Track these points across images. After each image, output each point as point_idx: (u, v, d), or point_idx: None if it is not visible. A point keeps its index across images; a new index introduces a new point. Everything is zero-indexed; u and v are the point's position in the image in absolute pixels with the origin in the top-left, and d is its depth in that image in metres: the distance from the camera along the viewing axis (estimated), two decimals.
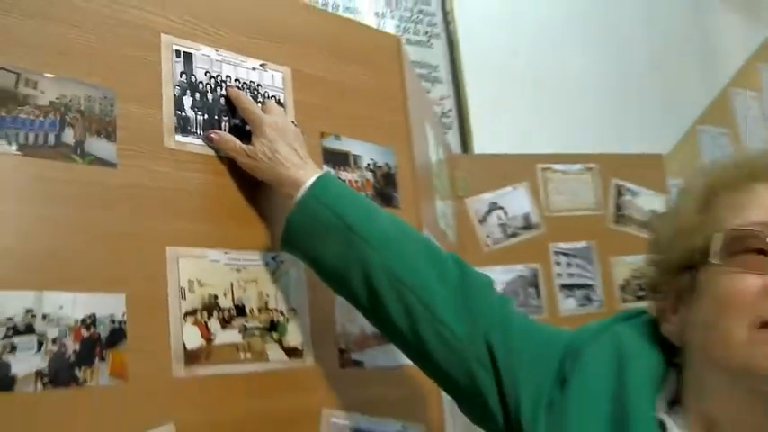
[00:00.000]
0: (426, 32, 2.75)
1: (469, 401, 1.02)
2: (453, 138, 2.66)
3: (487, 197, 2.23)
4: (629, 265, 2.36)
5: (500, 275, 2.16)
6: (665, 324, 0.90)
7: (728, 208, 0.84)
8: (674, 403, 0.87)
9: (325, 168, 1.22)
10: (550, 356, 0.96)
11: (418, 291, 1.00)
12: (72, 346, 0.86)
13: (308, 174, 1.06)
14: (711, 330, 0.80)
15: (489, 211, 2.22)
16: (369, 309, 1.05)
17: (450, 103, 2.71)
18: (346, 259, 1.03)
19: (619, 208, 2.42)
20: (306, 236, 1.06)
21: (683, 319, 0.87)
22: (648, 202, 2.45)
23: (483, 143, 2.69)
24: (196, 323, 0.99)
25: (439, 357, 1.00)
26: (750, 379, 0.76)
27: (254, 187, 1.12)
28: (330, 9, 2.44)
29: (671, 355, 0.89)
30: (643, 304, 2.29)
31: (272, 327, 1.08)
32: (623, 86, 3.36)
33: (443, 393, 1.30)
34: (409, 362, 1.22)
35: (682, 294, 0.87)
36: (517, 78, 2.95)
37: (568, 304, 2.27)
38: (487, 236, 2.20)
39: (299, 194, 1.04)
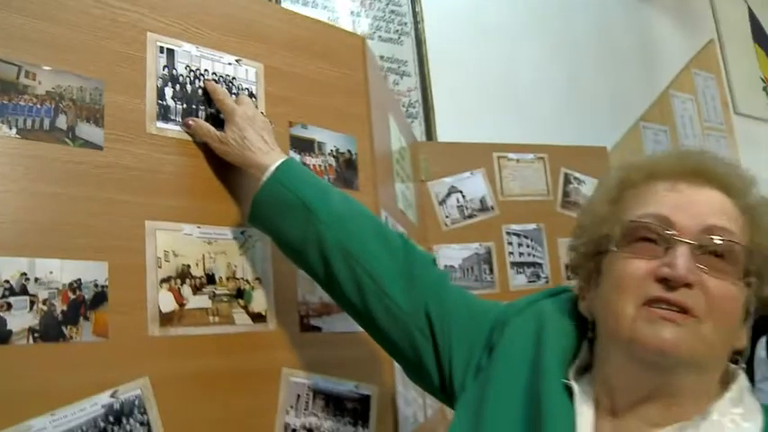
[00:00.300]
0: (397, 30, 2.86)
1: (411, 365, 1.11)
2: (419, 126, 2.77)
3: (447, 181, 2.34)
4: None
5: (457, 252, 2.28)
6: (581, 301, 0.98)
7: (632, 202, 0.91)
8: (586, 372, 0.95)
9: (291, 154, 1.31)
10: (482, 326, 1.05)
11: (367, 265, 1.08)
12: (60, 306, 0.97)
13: (273, 158, 1.15)
14: (608, 307, 0.88)
15: (449, 194, 2.33)
16: (324, 281, 1.14)
17: (416, 95, 2.82)
18: (304, 236, 1.11)
19: (566, 194, 2.55)
20: (269, 214, 1.14)
21: (592, 297, 0.95)
22: (593, 189, 2.58)
23: (446, 132, 2.80)
24: (170, 289, 1.10)
25: (384, 326, 1.09)
26: (634, 348, 0.84)
27: (225, 169, 1.21)
28: (309, 7, 2.53)
29: (586, 329, 0.97)
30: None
31: (239, 294, 1.19)
32: (575, 85, 3.50)
33: None
34: (361, 328, 1.33)
35: (592, 276, 0.95)
36: (478, 74, 3.07)
37: (519, 280, 2.39)
38: (447, 216, 2.31)
39: (264, 177, 1.13)
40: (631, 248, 0.88)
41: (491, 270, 2.35)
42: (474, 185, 2.38)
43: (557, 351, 0.96)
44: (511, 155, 2.48)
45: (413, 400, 1.59)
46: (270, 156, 1.16)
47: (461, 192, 2.35)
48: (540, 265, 2.45)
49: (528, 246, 2.43)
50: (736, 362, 0.89)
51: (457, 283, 2.13)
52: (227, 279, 1.18)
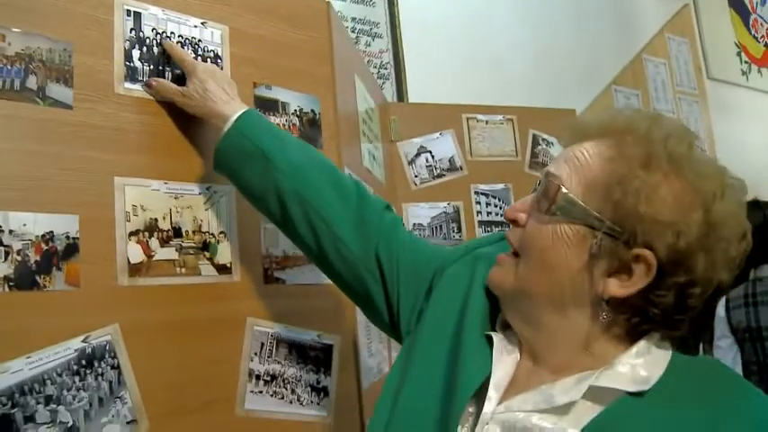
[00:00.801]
0: None
1: (364, 305, 1.18)
2: (390, 88, 2.80)
3: (417, 141, 2.39)
4: None
5: (426, 211, 2.35)
6: None
7: None
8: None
9: None
10: (427, 271, 1.09)
11: (321, 211, 1.13)
12: (33, 257, 1.03)
13: (234, 109, 1.19)
14: None
15: (418, 154, 2.38)
16: (282, 225, 1.19)
17: (388, 57, 2.85)
18: (263, 183, 1.16)
19: (534, 155, 2.61)
20: (231, 162, 1.19)
21: None
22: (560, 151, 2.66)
23: (417, 93, 2.83)
24: (139, 242, 1.16)
25: (338, 268, 1.14)
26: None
27: (191, 127, 1.26)
28: None
29: None
30: None
31: (205, 247, 1.25)
32: (548, 47, 3.52)
33: (356, 307, 1.49)
34: (326, 280, 1.40)
35: None
36: (450, 36, 3.09)
37: None
38: (416, 176, 2.37)
39: (226, 127, 1.17)
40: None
41: (459, 229, 2.41)
42: (443, 146, 2.43)
43: (483, 302, 0.99)
44: (480, 116, 2.53)
45: (377, 351, 1.66)
46: (230, 105, 1.20)
47: (430, 152, 2.40)
48: (507, 224, 2.48)
49: (496, 205, 2.49)
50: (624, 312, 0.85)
51: None
52: (194, 232, 1.24)
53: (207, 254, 1.25)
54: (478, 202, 2.46)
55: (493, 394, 0.88)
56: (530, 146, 2.61)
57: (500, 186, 2.52)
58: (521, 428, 0.82)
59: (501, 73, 3.21)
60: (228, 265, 1.28)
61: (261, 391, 1.28)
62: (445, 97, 2.62)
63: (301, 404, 1.33)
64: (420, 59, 2.91)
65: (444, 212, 2.39)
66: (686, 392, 0.80)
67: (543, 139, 2.65)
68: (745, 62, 4.80)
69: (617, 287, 0.83)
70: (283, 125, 1.41)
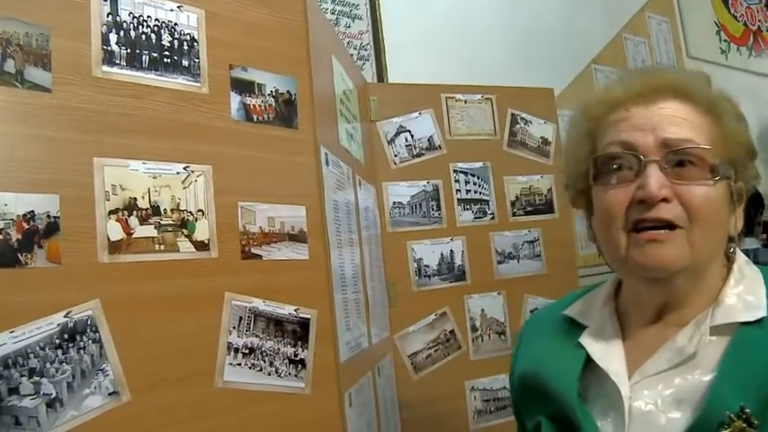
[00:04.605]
0: None
1: None
2: (370, 68, 2.82)
3: (396, 121, 2.41)
4: (519, 183, 2.61)
5: (405, 190, 2.38)
6: (590, 233, 1.04)
7: (600, 136, 0.97)
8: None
9: (232, 95, 1.40)
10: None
11: None
12: (15, 235, 1.07)
13: None
14: (604, 238, 0.96)
15: (397, 134, 2.41)
16: None
17: (368, 38, 2.86)
18: None
19: (513, 134, 2.65)
20: None
21: (593, 227, 1.01)
22: (539, 129, 2.70)
23: (397, 74, 2.85)
24: (118, 220, 1.19)
25: None
26: (632, 271, 0.92)
27: (168, 108, 1.29)
28: None
29: None
30: (531, 218, 2.57)
31: (183, 224, 1.28)
32: (528, 26, 3.53)
33: (333, 283, 1.54)
34: (303, 256, 1.44)
35: (588, 211, 1.03)
36: (430, 17, 3.10)
37: (465, 216, 2.50)
38: (395, 155, 2.39)
39: None
40: (606, 180, 0.94)
41: (438, 207, 2.44)
42: (422, 125, 2.46)
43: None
44: (459, 96, 2.55)
45: (354, 326, 1.71)
46: None
47: (410, 131, 2.43)
48: (486, 201, 2.55)
49: (475, 183, 2.52)
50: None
51: (404, 219, 2.25)
52: (172, 211, 1.27)
53: (185, 231, 1.29)
54: (457, 181, 2.49)
55: (614, 369, 0.93)
56: (508, 125, 2.64)
57: (479, 165, 2.55)
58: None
59: (481, 53, 3.22)
60: (206, 241, 1.32)
61: (239, 364, 1.32)
62: (425, 77, 2.65)
63: (279, 376, 1.38)
64: (400, 40, 2.93)
65: (424, 191, 2.42)
66: None
67: (522, 118, 2.67)
68: (725, 41, 4.83)
69: (736, 223, 0.95)
70: (260, 106, 1.44)
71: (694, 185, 0.88)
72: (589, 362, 0.97)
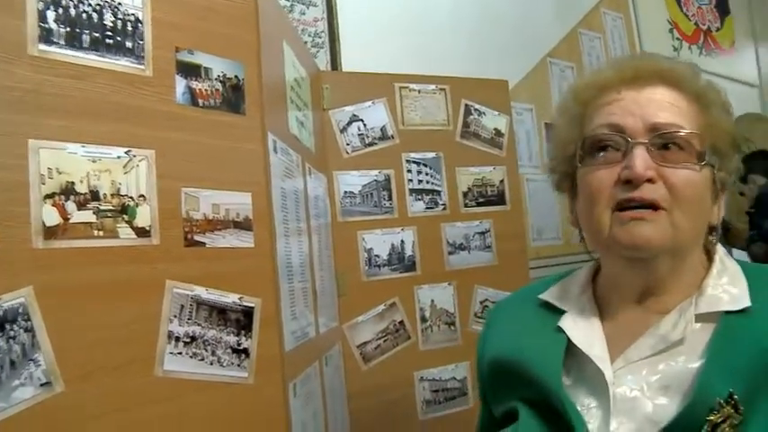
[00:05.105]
0: None
1: None
2: (324, 56, 2.79)
3: (349, 110, 2.39)
4: (472, 175, 2.62)
5: (357, 179, 2.37)
6: (572, 218, 1.06)
7: (588, 118, 0.99)
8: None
9: (177, 79, 1.36)
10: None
11: None
12: None
13: None
14: (587, 218, 0.96)
15: (350, 123, 2.39)
16: None
17: (323, 25, 2.82)
18: None
19: (466, 125, 2.65)
20: None
21: (576, 210, 1.03)
22: (493, 121, 2.70)
23: (351, 62, 2.82)
24: (54, 205, 1.15)
25: None
26: (615, 249, 0.93)
27: (110, 90, 1.25)
28: None
29: None
30: (482, 210, 2.58)
31: (123, 210, 1.25)
32: (485, 18, 3.53)
33: (279, 271, 1.52)
34: (248, 244, 1.42)
35: (572, 194, 1.04)
36: (385, 6, 3.08)
37: (417, 207, 2.50)
38: (347, 144, 2.38)
39: None
40: (593, 161, 0.95)
41: (390, 197, 2.44)
42: (375, 114, 2.44)
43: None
44: (413, 85, 2.54)
45: (301, 315, 1.69)
46: None
47: (362, 120, 2.41)
48: (438, 192, 2.55)
49: (427, 174, 2.52)
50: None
51: (355, 209, 2.24)
52: (112, 196, 1.23)
53: (125, 217, 1.25)
54: (409, 171, 2.48)
55: (597, 354, 0.94)
56: (462, 115, 2.64)
57: (431, 155, 2.55)
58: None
59: (436, 43, 3.21)
60: (147, 228, 1.28)
61: (180, 353, 1.30)
62: (380, 67, 2.63)
63: (221, 365, 1.36)
64: (355, 29, 2.90)
65: (375, 180, 2.41)
66: None
67: (475, 109, 2.67)
68: (677, 39, 4.91)
69: (718, 213, 0.98)
70: (206, 90, 1.41)
71: (680, 168, 0.90)
72: (569, 347, 0.97)
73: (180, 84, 1.37)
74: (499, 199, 2.69)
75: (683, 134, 0.91)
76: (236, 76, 1.47)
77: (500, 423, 1.05)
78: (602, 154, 0.94)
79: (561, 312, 1.03)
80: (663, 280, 0.95)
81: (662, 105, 0.93)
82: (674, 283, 0.95)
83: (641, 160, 0.89)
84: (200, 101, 1.41)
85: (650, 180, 0.89)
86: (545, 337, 1.01)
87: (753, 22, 6.16)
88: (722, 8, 5.70)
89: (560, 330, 0.99)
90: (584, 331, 0.98)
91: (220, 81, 1.44)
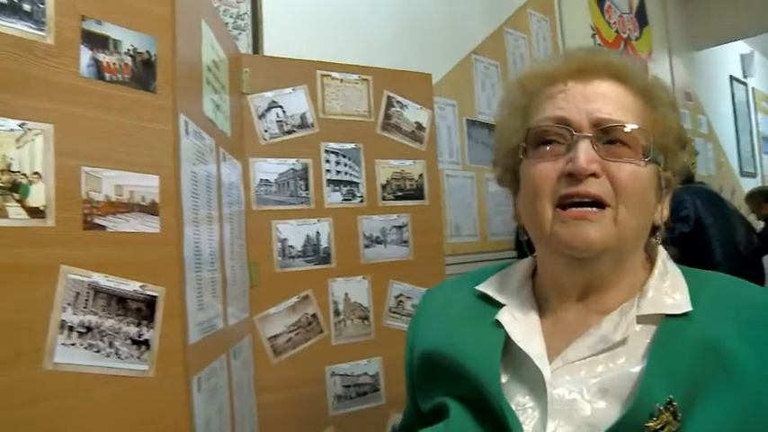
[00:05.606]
0: None
1: None
2: (246, 39, 2.69)
3: (268, 95, 2.32)
4: (391, 167, 2.58)
5: (274, 167, 2.30)
6: (515, 212, 1.04)
7: (534, 110, 0.97)
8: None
9: (82, 50, 1.26)
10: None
11: None
12: None
13: None
14: (529, 212, 0.95)
15: (269, 109, 2.31)
16: None
17: (245, 7, 2.72)
18: None
19: (388, 117, 2.61)
20: None
21: (518, 205, 1.02)
22: (415, 114, 2.67)
23: (274, 47, 2.74)
24: None
25: None
26: (556, 247, 0.91)
27: (3, 57, 1.15)
28: None
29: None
30: (400, 203, 2.56)
31: (15, 188, 1.14)
32: (412, 11, 3.50)
33: (186, 259, 1.44)
34: (153, 230, 1.34)
35: (515, 188, 1.02)
36: None
37: (334, 198, 2.45)
38: (265, 130, 2.30)
39: None
40: (537, 153, 0.93)
41: (307, 187, 2.38)
42: (295, 102, 2.38)
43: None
44: (335, 74, 2.49)
45: (208, 305, 1.62)
46: None
47: (282, 107, 2.34)
48: (356, 184, 2.50)
49: (345, 164, 2.47)
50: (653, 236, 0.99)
51: (271, 198, 2.17)
52: (2, 172, 1.13)
53: (16, 195, 1.15)
54: (328, 161, 2.43)
55: (535, 353, 0.91)
56: (383, 107, 2.60)
57: (351, 146, 2.50)
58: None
59: (362, 33, 3.16)
60: (42, 208, 1.19)
61: (74, 344, 1.21)
62: (303, 53, 2.56)
63: (120, 358, 1.27)
64: (279, 12, 2.81)
65: (293, 169, 2.34)
66: (722, 306, 0.88)
67: (398, 102, 2.64)
68: (599, 44, 5.01)
69: (662, 212, 0.97)
70: (114, 64, 1.32)
71: (624, 163, 0.89)
72: (506, 343, 0.95)
73: (85, 55, 1.27)
74: (418, 193, 2.66)
75: (628, 129, 0.90)
76: (147, 51, 1.38)
77: (427, 419, 1.02)
78: (547, 147, 0.93)
79: (498, 306, 1.01)
80: (605, 278, 0.94)
81: (607, 99, 0.92)
82: (616, 282, 0.94)
83: (585, 154, 0.87)
84: (107, 75, 1.31)
85: (594, 175, 0.88)
86: (481, 330, 0.98)
87: (668, 34, 6.36)
88: (641, 18, 5.87)
89: (498, 325, 0.97)
90: (523, 327, 0.96)
91: (130, 55, 1.35)
